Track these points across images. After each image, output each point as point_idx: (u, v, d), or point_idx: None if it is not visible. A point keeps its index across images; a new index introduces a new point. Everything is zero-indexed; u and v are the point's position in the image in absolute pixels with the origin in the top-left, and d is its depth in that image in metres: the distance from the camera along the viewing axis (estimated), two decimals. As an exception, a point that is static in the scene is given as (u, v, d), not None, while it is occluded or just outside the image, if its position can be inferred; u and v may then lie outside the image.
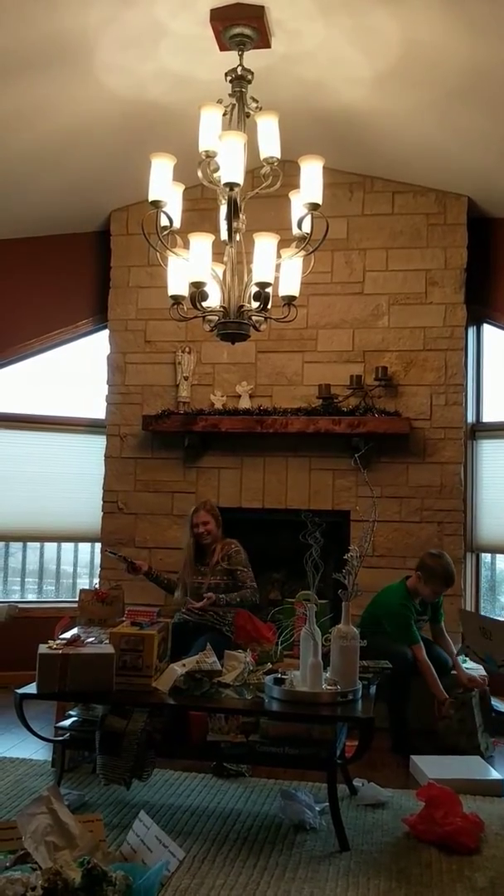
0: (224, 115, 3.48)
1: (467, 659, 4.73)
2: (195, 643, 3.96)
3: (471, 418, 5.38)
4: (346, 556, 3.32)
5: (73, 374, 5.87)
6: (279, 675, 3.24)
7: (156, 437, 5.36)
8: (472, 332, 5.42)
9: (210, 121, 3.40)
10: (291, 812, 3.17)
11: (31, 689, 3.18)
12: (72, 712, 3.44)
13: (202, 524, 4.46)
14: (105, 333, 5.61)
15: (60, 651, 3.14)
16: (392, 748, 4.08)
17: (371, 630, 4.10)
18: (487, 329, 5.51)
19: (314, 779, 3.52)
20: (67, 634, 3.45)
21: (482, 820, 3.08)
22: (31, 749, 4.00)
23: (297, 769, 3.49)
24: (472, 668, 4.57)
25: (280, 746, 3.12)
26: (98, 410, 5.63)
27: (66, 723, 3.39)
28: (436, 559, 4.31)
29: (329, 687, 3.10)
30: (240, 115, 3.54)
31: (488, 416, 5.46)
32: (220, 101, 3.47)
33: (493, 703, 4.36)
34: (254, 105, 3.55)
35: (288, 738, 3.12)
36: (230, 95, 3.56)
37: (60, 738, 3.38)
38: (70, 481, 5.69)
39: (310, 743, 3.10)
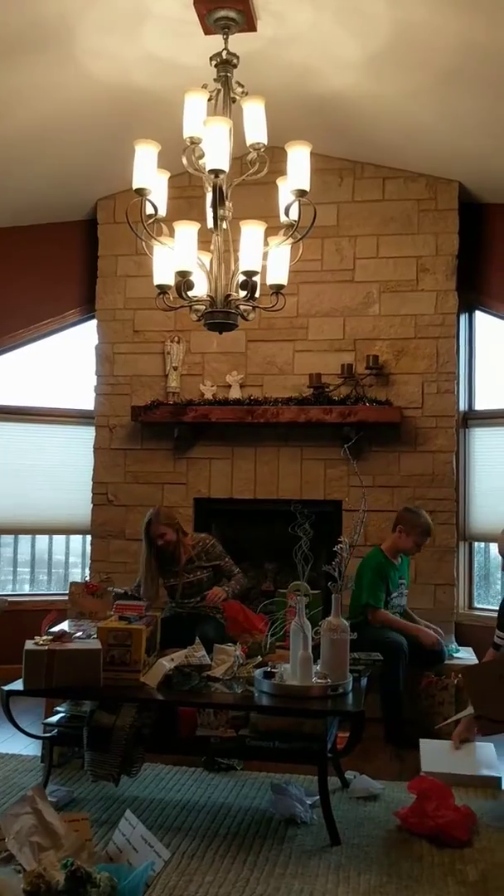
0: (209, 100, 3.40)
1: (460, 649, 4.72)
2: (193, 634, 3.91)
3: (463, 406, 5.34)
4: (335, 549, 3.29)
5: (62, 364, 5.81)
6: (269, 669, 3.20)
7: (145, 428, 5.31)
8: (463, 319, 5.37)
9: (195, 106, 3.32)
10: (282, 806, 3.14)
11: (18, 685, 3.14)
12: (60, 708, 3.41)
13: (160, 536, 4.31)
14: (93, 323, 5.55)
15: (47, 647, 3.10)
16: (386, 738, 4.06)
17: (359, 617, 4.13)
18: (479, 316, 5.46)
19: (306, 772, 3.49)
20: (55, 629, 3.41)
21: (474, 812, 3.06)
22: (20, 745, 3.96)
23: (288, 763, 3.46)
24: (466, 658, 4.56)
25: (270, 741, 3.11)
26: (87, 401, 5.56)
27: (54, 719, 3.37)
28: (414, 512, 4.51)
29: (319, 680, 3.07)
30: (225, 100, 3.46)
31: (480, 404, 5.41)
32: (204, 87, 3.39)
33: None
34: (240, 90, 3.46)
35: (278, 733, 3.10)
36: (215, 80, 3.47)
37: (48, 735, 3.35)
38: (59, 473, 5.64)
39: (300, 737, 3.08)
